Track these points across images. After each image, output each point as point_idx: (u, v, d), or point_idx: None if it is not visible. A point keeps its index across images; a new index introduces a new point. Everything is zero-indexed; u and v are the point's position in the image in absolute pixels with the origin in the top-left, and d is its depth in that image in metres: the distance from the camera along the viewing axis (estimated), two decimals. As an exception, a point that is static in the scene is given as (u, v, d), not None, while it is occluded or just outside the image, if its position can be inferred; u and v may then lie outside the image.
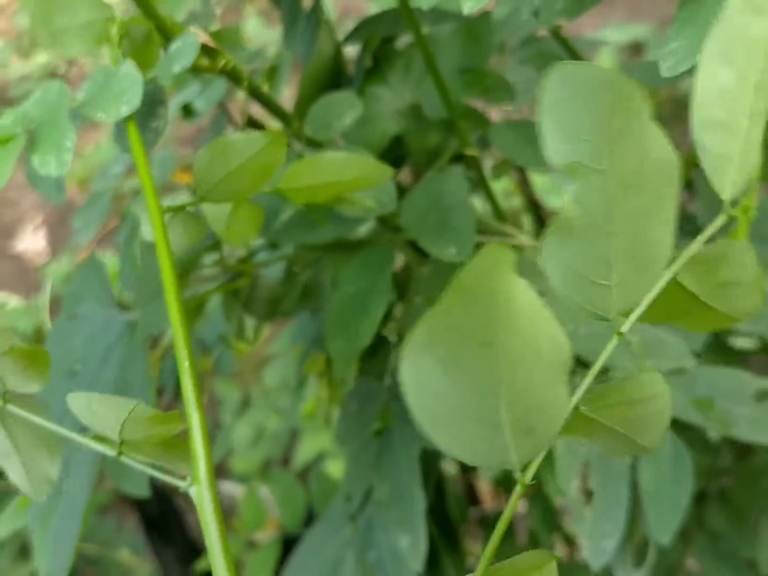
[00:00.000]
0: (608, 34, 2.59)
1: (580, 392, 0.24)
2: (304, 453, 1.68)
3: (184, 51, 0.47)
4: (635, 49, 2.68)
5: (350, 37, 0.68)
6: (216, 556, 0.23)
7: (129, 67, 0.42)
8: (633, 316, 0.25)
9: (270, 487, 0.91)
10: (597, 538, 0.54)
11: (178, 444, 0.29)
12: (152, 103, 0.50)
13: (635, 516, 0.57)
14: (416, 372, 0.19)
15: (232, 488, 1.15)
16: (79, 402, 0.24)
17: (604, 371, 0.56)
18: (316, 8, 0.62)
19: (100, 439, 0.26)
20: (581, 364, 0.57)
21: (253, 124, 0.56)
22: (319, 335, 0.77)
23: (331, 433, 1.58)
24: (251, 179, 0.42)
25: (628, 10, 3.18)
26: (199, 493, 0.24)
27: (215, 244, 0.60)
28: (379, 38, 0.65)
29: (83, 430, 0.45)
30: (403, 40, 0.68)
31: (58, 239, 2.77)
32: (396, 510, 0.65)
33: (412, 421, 0.64)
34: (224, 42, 0.65)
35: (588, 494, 0.54)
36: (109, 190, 0.80)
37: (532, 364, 0.19)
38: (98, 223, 0.77)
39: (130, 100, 0.40)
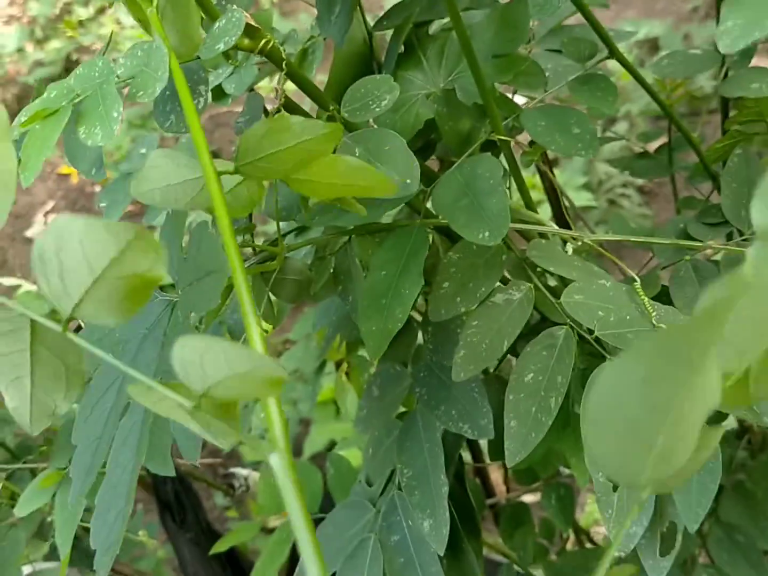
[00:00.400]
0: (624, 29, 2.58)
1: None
2: (315, 442, 1.68)
3: (228, 29, 0.47)
4: (651, 44, 2.67)
5: (383, 22, 0.69)
6: (297, 520, 0.23)
7: (158, 41, 0.42)
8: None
9: None
10: (624, 524, 0.54)
11: (232, 410, 0.29)
12: (194, 81, 0.50)
13: (662, 503, 0.57)
14: (615, 382, 0.20)
15: (244, 473, 1.16)
16: (188, 348, 0.24)
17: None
18: (351, -8, 0.62)
19: (179, 388, 0.26)
20: (614, 350, 0.57)
21: (289, 106, 0.56)
22: (341, 320, 0.78)
23: (342, 424, 1.59)
24: (294, 163, 0.42)
25: (642, 8, 3.17)
26: (279, 460, 0.25)
27: (246, 228, 0.61)
28: (411, 23, 0.65)
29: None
30: (435, 26, 0.68)
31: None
32: (418, 493, 0.65)
33: (435, 406, 0.65)
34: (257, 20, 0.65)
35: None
36: (136, 170, 0.80)
37: (699, 405, 0.20)
38: (125, 203, 0.78)
39: (163, 77, 0.41)
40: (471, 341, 0.60)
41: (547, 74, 0.75)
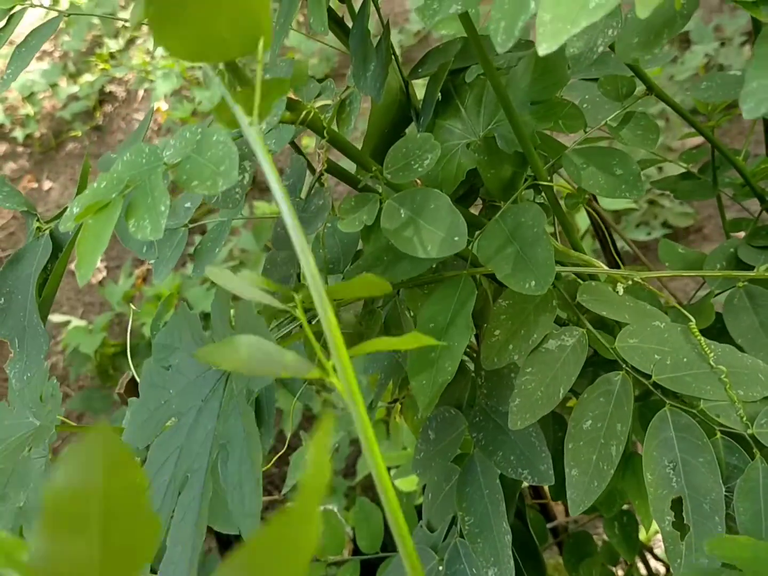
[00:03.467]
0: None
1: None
2: (367, 465, 1.69)
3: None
4: (683, 38, 2.64)
5: (418, 70, 0.69)
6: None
7: (223, 135, 0.42)
8: None
9: (351, 512, 0.91)
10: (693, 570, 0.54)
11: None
12: (239, 158, 0.50)
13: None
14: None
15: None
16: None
17: (694, 401, 0.56)
18: (386, 47, 0.62)
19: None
20: (672, 394, 0.56)
21: (332, 168, 0.56)
22: (393, 366, 0.78)
23: (395, 452, 1.59)
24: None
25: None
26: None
27: (296, 287, 0.61)
28: (446, 70, 0.65)
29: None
30: (472, 70, 0.68)
31: (111, 258, 2.81)
32: (482, 541, 0.65)
33: (493, 452, 0.64)
34: (294, 77, 0.66)
35: (682, 527, 0.54)
36: (182, 225, 0.81)
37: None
38: (174, 259, 0.79)
39: (227, 172, 0.41)
40: (526, 389, 0.59)
41: (585, 105, 0.74)
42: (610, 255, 0.92)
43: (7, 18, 0.75)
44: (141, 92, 3.31)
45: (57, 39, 3.62)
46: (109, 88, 3.37)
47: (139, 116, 3.26)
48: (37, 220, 0.60)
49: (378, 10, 0.66)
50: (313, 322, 0.61)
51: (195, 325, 0.53)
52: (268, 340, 0.46)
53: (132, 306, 0.75)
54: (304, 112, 0.52)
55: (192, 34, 0.30)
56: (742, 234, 0.79)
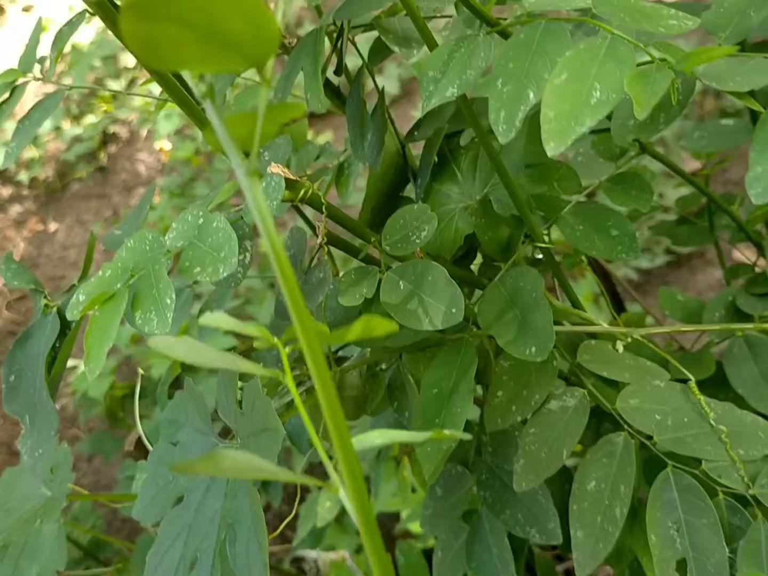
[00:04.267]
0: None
1: None
2: (377, 501, 1.68)
3: (269, 192, 0.48)
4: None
5: (414, 133, 0.70)
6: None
7: (222, 222, 0.44)
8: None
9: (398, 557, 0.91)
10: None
11: None
12: (240, 238, 0.52)
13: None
14: None
15: (314, 555, 1.16)
16: None
17: (695, 462, 0.56)
18: (381, 113, 0.63)
19: None
20: (670, 454, 0.57)
21: (332, 240, 0.57)
22: (398, 427, 0.78)
23: (402, 484, 1.59)
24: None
25: None
26: None
27: (299, 358, 0.62)
28: (441, 135, 0.66)
29: None
30: (467, 133, 0.69)
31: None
32: (492, 600, 0.65)
33: (501, 510, 0.64)
34: (294, 139, 0.67)
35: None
36: (186, 286, 0.82)
37: None
38: (180, 320, 0.80)
39: (227, 258, 0.42)
40: (530, 450, 0.60)
41: (579, 158, 0.76)
42: (610, 296, 0.93)
43: (10, 91, 0.77)
44: (144, 132, 3.34)
45: (59, 81, 3.65)
46: (112, 129, 3.40)
47: (143, 156, 3.29)
48: (45, 297, 0.61)
49: (373, 77, 0.67)
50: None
51: (200, 402, 0.53)
52: (276, 423, 0.47)
53: (141, 371, 0.75)
54: (302, 191, 0.53)
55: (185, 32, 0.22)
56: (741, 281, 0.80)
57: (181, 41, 0.22)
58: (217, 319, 0.29)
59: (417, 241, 0.55)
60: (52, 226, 3.23)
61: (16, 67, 0.76)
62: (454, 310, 0.54)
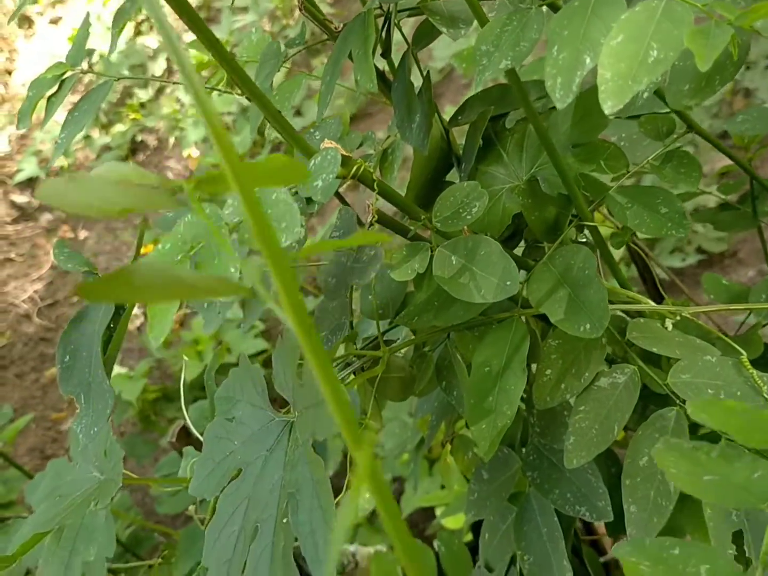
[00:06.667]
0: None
1: None
2: (410, 500, 1.69)
3: (325, 166, 0.49)
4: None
5: (458, 118, 0.70)
6: None
7: (283, 193, 0.44)
8: None
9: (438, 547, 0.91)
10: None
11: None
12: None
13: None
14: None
15: (352, 549, 1.17)
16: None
17: None
18: (428, 98, 0.64)
19: None
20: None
21: (382, 219, 0.58)
22: (444, 407, 0.79)
23: (440, 491, 1.59)
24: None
25: None
26: None
27: (349, 336, 0.63)
28: (487, 118, 0.67)
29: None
30: (512, 116, 0.70)
31: (149, 302, 2.84)
32: (542, 580, 0.65)
33: (549, 490, 0.65)
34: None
35: (745, 561, 0.54)
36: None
37: None
38: (227, 308, 0.80)
39: (289, 228, 0.43)
40: (580, 427, 0.60)
41: (622, 143, 0.76)
42: (650, 285, 0.93)
43: (58, 84, 0.78)
44: (172, 140, 3.37)
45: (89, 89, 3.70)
46: (140, 137, 3.44)
47: (171, 163, 3.32)
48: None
49: (417, 62, 0.68)
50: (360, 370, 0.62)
51: (256, 377, 0.54)
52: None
53: (185, 357, 0.76)
54: (354, 167, 0.53)
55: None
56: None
57: None
58: (111, 168, 0.25)
59: (468, 217, 0.56)
60: (82, 234, 3.27)
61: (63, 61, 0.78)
62: (508, 283, 0.54)
